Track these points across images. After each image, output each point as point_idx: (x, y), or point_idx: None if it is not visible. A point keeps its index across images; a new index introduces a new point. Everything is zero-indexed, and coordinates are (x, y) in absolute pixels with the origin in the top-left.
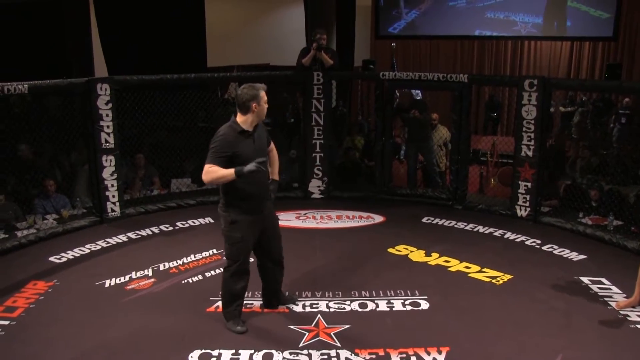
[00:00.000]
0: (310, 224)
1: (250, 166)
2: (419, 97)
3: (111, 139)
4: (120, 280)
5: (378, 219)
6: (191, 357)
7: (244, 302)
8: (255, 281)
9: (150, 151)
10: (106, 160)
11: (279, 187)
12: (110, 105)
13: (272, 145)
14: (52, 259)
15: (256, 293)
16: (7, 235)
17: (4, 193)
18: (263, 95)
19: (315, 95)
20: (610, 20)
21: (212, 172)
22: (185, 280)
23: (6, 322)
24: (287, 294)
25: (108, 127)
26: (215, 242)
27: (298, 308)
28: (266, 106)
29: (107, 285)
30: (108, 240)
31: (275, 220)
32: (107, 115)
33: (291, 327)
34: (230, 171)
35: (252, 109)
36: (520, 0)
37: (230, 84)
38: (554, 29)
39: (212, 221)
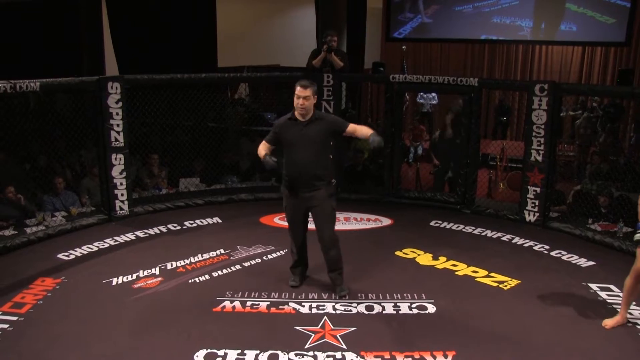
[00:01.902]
0: None
1: (266, 158)
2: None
3: (121, 138)
4: (127, 278)
5: (386, 221)
6: (197, 356)
7: (251, 302)
8: (263, 280)
9: (159, 150)
10: (115, 159)
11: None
12: (120, 104)
13: (351, 126)
14: (60, 256)
15: (263, 294)
16: (16, 232)
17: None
18: (296, 89)
19: (324, 97)
20: (616, 26)
21: (260, 146)
22: (192, 280)
23: (14, 318)
24: (339, 286)
25: (118, 125)
26: (222, 241)
27: (304, 309)
28: (296, 100)
29: (114, 283)
30: (116, 238)
31: (324, 209)
32: (117, 113)
33: (297, 328)
34: (262, 154)
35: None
36: (527, 5)
37: (240, 84)
38: (560, 34)
39: (219, 221)
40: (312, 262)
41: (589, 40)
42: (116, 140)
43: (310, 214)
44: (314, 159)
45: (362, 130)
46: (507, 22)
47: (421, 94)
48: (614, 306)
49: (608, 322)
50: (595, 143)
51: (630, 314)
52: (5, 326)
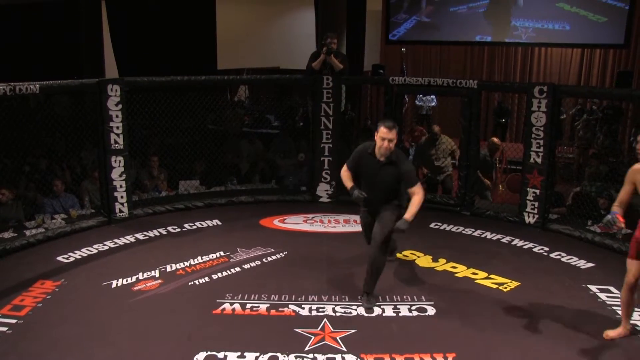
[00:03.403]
0: (317, 227)
1: (355, 193)
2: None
3: (120, 140)
4: (127, 281)
5: None
6: (197, 358)
7: (251, 304)
8: (263, 282)
9: (159, 152)
10: (115, 161)
11: (289, 190)
12: (120, 106)
13: (415, 188)
14: (60, 258)
15: (262, 296)
16: (15, 234)
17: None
18: (382, 131)
19: (324, 99)
20: (610, 26)
21: (343, 172)
22: (192, 282)
23: (13, 321)
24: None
25: (118, 128)
26: (222, 244)
27: (304, 311)
28: (381, 142)
29: (114, 285)
30: (116, 240)
31: (383, 216)
32: (117, 116)
33: (297, 330)
34: (348, 185)
35: (375, 136)
36: (521, 5)
37: (240, 86)
38: (555, 33)
39: (219, 223)
40: (313, 265)
41: (585, 40)
42: (116, 142)
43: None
44: (383, 195)
45: (417, 199)
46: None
47: (420, 96)
48: (614, 307)
49: (610, 333)
50: (594, 145)
51: (635, 325)
52: (5, 329)
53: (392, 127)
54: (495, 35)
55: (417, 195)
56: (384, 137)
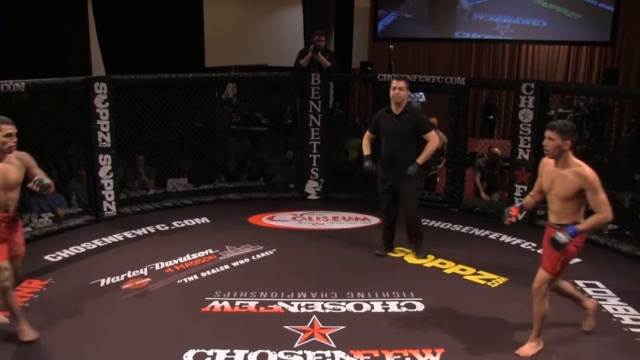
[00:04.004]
0: (306, 225)
1: (366, 164)
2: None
3: (108, 138)
4: (115, 279)
5: (374, 220)
6: (186, 356)
7: (240, 301)
8: (252, 279)
9: (147, 150)
10: (103, 159)
11: (278, 187)
12: (107, 104)
13: (429, 134)
14: (47, 257)
15: (251, 293)
16: None
17: None
18: (392, 83)
19: (312, 96)
20: (588, 22)
21: (365, 138)
22: (181, 280)
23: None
24: (418, 250)
25: (105, 126)
26: (211, 242)
27: (293, 308)
28: (392, 91)
29: (102, 284)
30: (104, 239)
31: (406, 189)
32: (104, 114)
33: (286, 327)
34: (365, 153)
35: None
36: (499, 1)
37: (228, 84)
38: (533, 30)
39: (208, 221)
40: (302, 262)
41: (567, 37)
42: (103, 140)
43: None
44: (400, 147)
45: (430, 145)
46: (480, 17)
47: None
48: (600, 302)
49: (587, 323)
50: (581, 142)
51: (615, 309)
52: None
53: (400, 78)
54: (475, 31)
55: (431, 142)
56: (394, 86)
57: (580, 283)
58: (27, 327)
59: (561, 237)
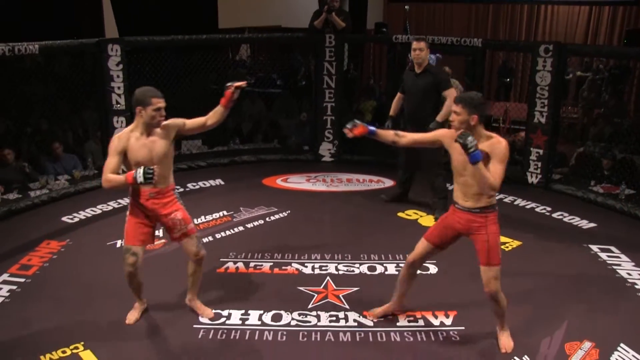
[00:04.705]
0: (320, 187)
1: (386, 123)
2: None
3: (122, 100)
4: None
5: (388, 182)
6: (201, 317)
7: (255, 263)
8: (266, 241)
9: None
10: (117, 122)
11: (292, 149)
12: (120, 66)
13: (449, 91)
14: (64, 219)
15: (266, 255)
16: (20, 196)
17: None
18: (412, 44)
19: (327, 58)
20: None
21: (396, 98)
22: None
23: (22, 280)
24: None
25: (119, 88)
26: (225, 203)
27: (307, 270)
28: (412, 52)
29: (118, 245)
30: (119, 201)
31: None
32: (117, 76)
33: (300, 288)
34: (390, 113)
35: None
36: None
37: (242, 45)
38: None
39: (222, 183)
40: (316, 224)
41: None
42: (117, 103)
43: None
44: (420, 104)
45: (443, 110)
46: None
47: None
48: (614, 267)
49: (376, 311)
50: (599, 105)
51: (629, 274)
52: (14, 287)
53: (420, 39)
54: None
55: (450, 99)
56: (414, 47)
57: (595, 248)
58: (138, 312)
59: (474, 140)
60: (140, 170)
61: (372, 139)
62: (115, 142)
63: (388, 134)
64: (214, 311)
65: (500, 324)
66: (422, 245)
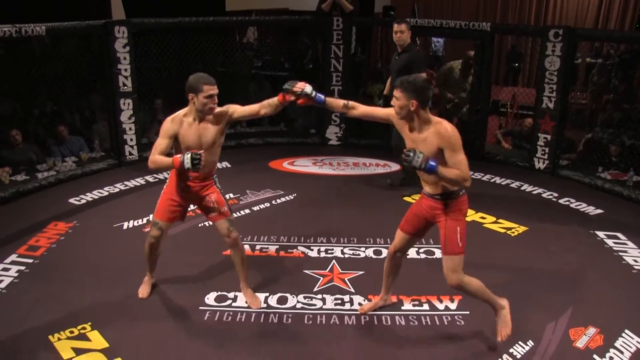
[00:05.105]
0: (326, 170)
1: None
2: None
3: (129, 83)
4: (138, 222)
5: (394, 166)
6: (207, 298)
7: (261, 245)
8: (272, 224)
9: (167, 95)
10: (124, 104)
11: (299, 132)
12: (127, 48)
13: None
14: (71, 200)
15: (272, 237)
16: (28, 177)
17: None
18: (394, 27)
19: (334, 41)
20: None
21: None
22: (202, 224)
23: (30, 260)
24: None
25: (126, 70)
26: (232, 186)
27: (313, 253)
28: (394, 35)
29: (125, 227)
30: (126, 183)
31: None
32: (124, 58)
33: (306, 271)
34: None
35: None
36: None
37: (249, 28)
38: None
39: (229, 165)
40: (322, 207)
41: None
42: (124, 85)
43: None
44: (395, 82)
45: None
46: None
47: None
48: (620, 254)
49: (364, 307)
50: (609, 91)
51: (636, 261)
52: (22, 268)
53: (400, 22)
54: None
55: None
56: (395, 30)
57: (601, 234)
58: (148, 286)
59: (418, 156)
60: (188, 156)
61: (321, 107)
62: (168, 125)
63: (338, 103)
64: (220, 293)
65: (494, 309)
66: (397, 235)
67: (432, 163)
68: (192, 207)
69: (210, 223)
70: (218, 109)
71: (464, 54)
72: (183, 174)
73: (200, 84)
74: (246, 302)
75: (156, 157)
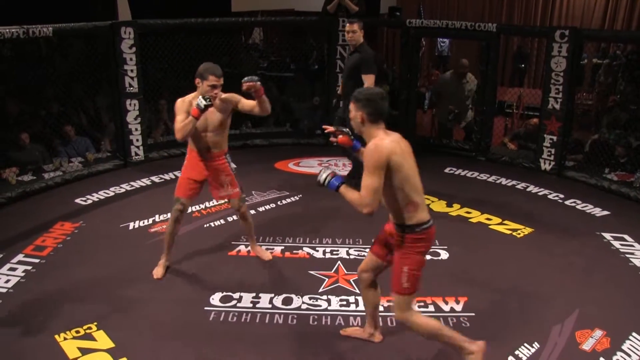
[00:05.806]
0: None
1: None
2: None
3: (135, 83)
4: (143, 222)
5: None
6: (212, 299)
7: (266, 246)
8: (278, 225)
9: (173, 96)
10: (130, 105)
11: (304, 133)
12: (134, 49)
13: (367, 76)
14: (78, 200)
15: (277, 238)
16: (34, 177)
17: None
18: (346, 27)
19: (340, 42)
20: None
21: None
22: (208, 225)
23: (37, 260)
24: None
25: (132, 71)
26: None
27: (318, 254)
28: (346, 35)
29: (131, 227)
30: (132, 183)
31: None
32: (130, 59)
33: (311, 272)
34: None
35: None
36: None
37: (255, 29)
38: None
39: (234, 166)
40: (327, 208)
41: None
42: (130, 85)
43: None
44: (345, 82)
45: (366, 86)
46: None
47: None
48: (627, 255)
49: (347, 330)
50: (615, 91)
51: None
52: (29, 268)
53: (352, 22)
54: None
55: (367, 82)
56: (347, 30)
57: (607, 236)
58: (163, 268)
59: (325, 171)
60: (200, 98)
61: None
62: (180, 104)
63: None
64: (225, 293)
65: (460, 352)
66: (368, 256)
67: (335, 182)
68: (197, 207)
69: (216, 223)
70: (225, 95)
71: (469, 54)
72: (199, 152)
73: (207, 73)
74: (260, 257)
75: (178, 125)
